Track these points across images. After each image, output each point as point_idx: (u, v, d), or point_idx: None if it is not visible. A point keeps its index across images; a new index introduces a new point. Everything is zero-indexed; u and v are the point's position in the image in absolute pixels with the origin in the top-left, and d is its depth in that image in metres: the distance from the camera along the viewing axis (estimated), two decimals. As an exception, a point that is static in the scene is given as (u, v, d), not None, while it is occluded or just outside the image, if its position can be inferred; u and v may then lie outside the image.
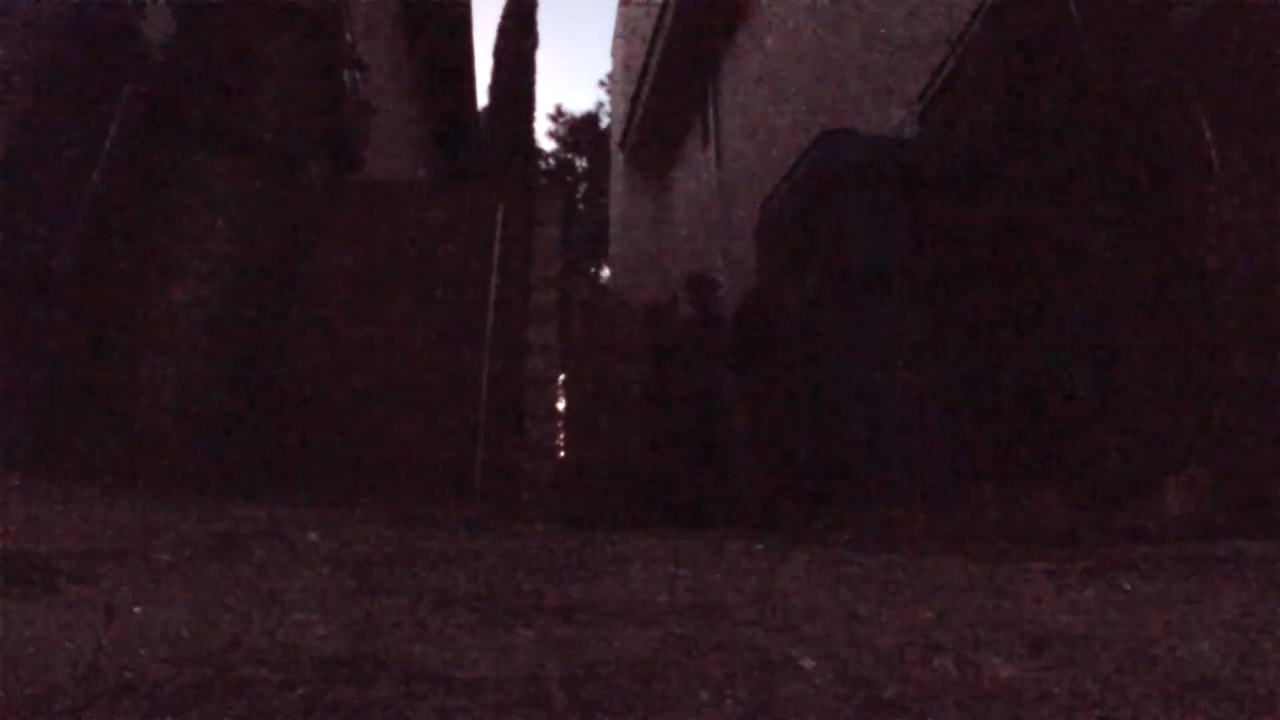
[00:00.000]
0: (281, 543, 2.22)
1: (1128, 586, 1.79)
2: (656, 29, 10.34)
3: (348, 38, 3.89)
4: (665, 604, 1.55)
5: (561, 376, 5.28)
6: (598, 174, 17.73)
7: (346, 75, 3.89)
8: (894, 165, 3.98)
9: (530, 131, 14.27)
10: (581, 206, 17.65)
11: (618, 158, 13.08)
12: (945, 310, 3.67)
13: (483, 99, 12.45)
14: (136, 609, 1.29)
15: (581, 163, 19.04)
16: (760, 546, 2.85)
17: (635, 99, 11.32)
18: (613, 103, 15.52)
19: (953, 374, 3.58)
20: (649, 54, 10.63)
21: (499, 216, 5.23)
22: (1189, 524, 2.43)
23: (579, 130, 19.11)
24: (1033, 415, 3.22)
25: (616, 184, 13.33)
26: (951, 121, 4.04)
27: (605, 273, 16.25)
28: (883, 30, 5.44)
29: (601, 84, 18.31)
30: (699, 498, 6.02)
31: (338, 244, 4.70)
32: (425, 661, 1.08)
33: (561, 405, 5.85)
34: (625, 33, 13.83)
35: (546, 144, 19.07)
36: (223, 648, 1.10)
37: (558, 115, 19.56)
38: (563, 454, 5.63)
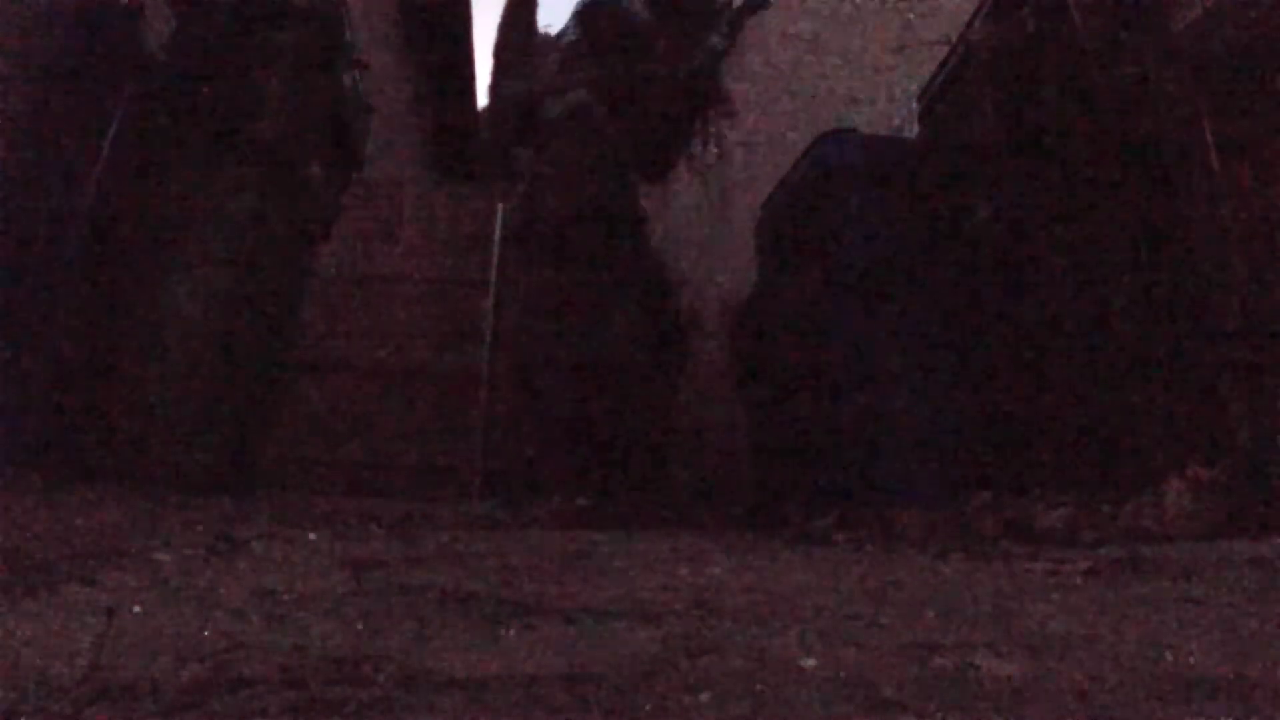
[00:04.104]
0: (281, 543, 2.22)
1: (1128, 587, 1.78)
2: (656, 29, 10.32)
3: (348, 38, 3.88)
4: (665, 604, 1.55)
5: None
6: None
7: (346, 75, 3.89)
8: (894, 165, 3.98)
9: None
10: (581, 206, 17.60)
11: (618, 157, 13.04)
12: (945, 309, 3.67)
13: (483, 99, 12.41)
14: (136, 609, 1.29)
15: (581, 162, 18.98)
16: (760, 546, 2.85)
17: (635, 99, 11.30)
18: (613, 103, 15.46)
19: (953, 373, 3.58)
20: (649, 54, 10.61)
21: (498, 216, 5.24)
22: (1189, 524, 2.43)
23: (579, 130, 19.08)
24: (1033, 414, 3.22)
25: (616, 184, 13.29)
26: (951, 121, 4.04)
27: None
28: (883, 30, 5.43)
29: (601, 84, 18.20)
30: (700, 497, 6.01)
31: (338, 244, 4.70)
32: (425, 661, 1.08)
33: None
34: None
35: (546, 144, 18.99)
36: (223, 648, 1.10)
37: (558, 115, 19.51)
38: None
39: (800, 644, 1.21)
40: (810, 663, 1.09)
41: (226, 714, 0.86)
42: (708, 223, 8.83)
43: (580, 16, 4.97)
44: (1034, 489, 2.95)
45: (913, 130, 4.57)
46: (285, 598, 1.46)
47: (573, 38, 4.98)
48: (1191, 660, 1.11)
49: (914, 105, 4.63)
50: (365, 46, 5.07)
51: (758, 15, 6.28)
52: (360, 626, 1.27)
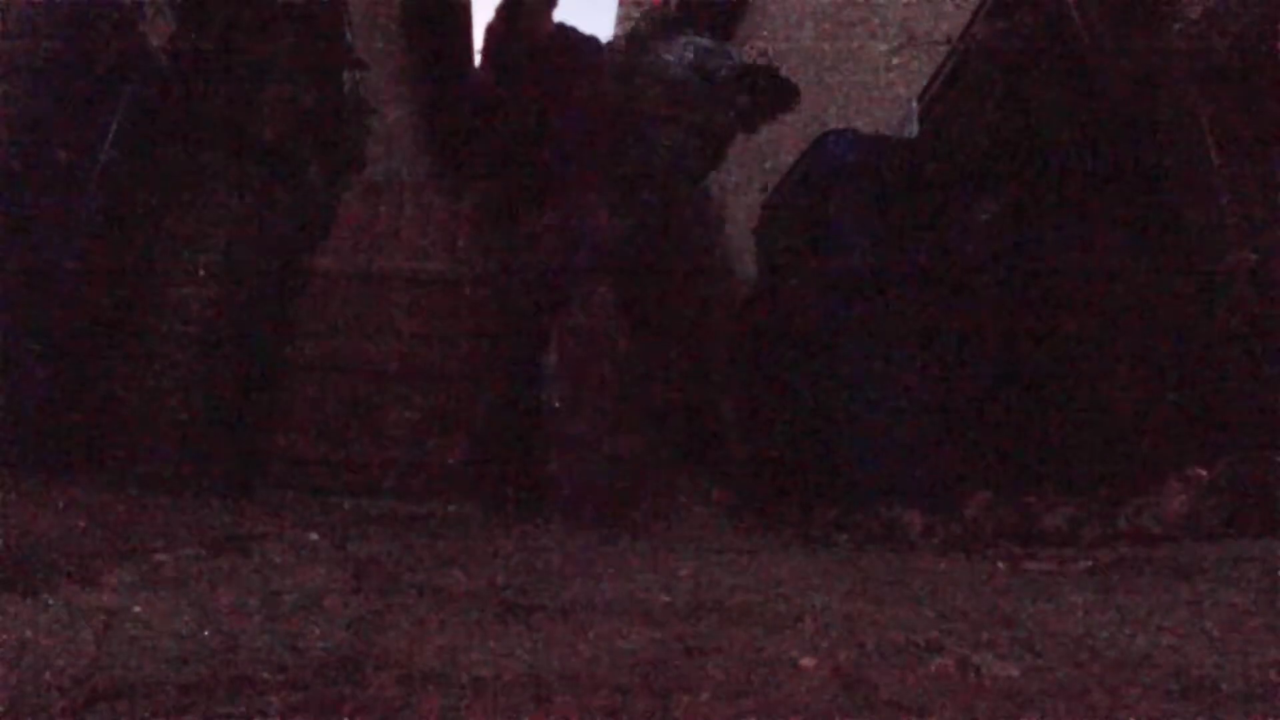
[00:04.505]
0: (281, 543, 2.22)
1: (1128, 586, 1.79)
2: (656, 29, 10.33)
3: (348, 38, 3.88)
4: (665, 604, 1.55)
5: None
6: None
7: (346, 75, 3.89)
8: (894, 165, 3.98)
9: (530, 131, 14.14)
10: (581, 206, 17.59)
11: (618, 157, 13.02)
12: (945, 309, 3.67)
13: (482, 99, 12.38)
14: (136, 609, 1.29)
15: (581, 162, 18.97)
16: (760, 546, 2.86)
17: (635, 99, 11.30)
18: (613, 103, 15.44)
19: (952, 373, 3.58)
20: (649, 54, 10.61)
21: (499, 216, 5.23)
22: (1189, 524, 2.43)
23: (579, 130, 19.04)
24: (1033, 415, 3.22)
25: (616, 184, 13.28)
26: (951, 121, 4.04)
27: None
28: (883, 30, 5.43)
29: (601, 84, 18.23)
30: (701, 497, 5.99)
31: (338, 243, 4.70)
32: (425, 661, 1.08)
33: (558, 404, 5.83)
34: (625, 32, 13.82)
35: (547, 144, 18.98)
36: (223, 648, 1.10)
37: (558, 115, 19.47)
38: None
39: (800, 644, 1.21)
40: (810, 663, 1.09)
41: (226, 714, 0.86)
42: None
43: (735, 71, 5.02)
44: (1034, 489, 2.95)
45: (913, 130, 4.57)
46: (285, 598, 1.46)
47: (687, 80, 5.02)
48: (1191, 660, 1.11)
49: (914, 105, 4.63)
50: (365, 46, 5.06)
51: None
52: (360, 626, 1.27)
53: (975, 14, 3.95)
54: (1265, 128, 2.61)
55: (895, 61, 5.03)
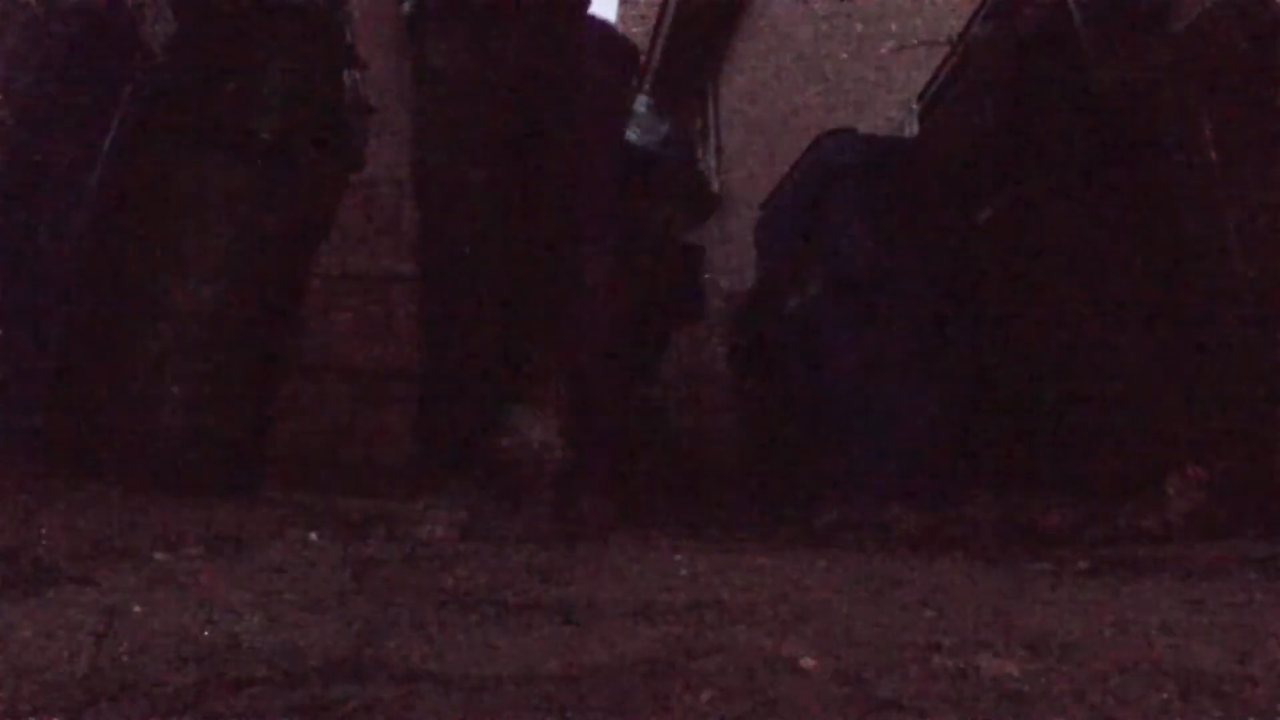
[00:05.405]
0: (281, 543, 2.22)
1: (1128, 586, 1.79)
2: (656, 29, 10.35)
3: (348, 38, 3.88)
4: (665, 604, 1.55)
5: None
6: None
7: (346, 75, 3.88)
8: (894, 165, 3.98)
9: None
10: (581, 206, 17.61)
11: (618, 158, 13.02)
12: (945, 309, 3.67)
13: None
14: (136, 609, 1.29)
15: (581, 163, 18.98)
16: (760, 546, 2.86)
17: (635, 99, 11.30)
18: (613, 103, 15.44)
19: (952, 373, 3.58)
20: (648, 54, 10.63)
21: (499, 216, 5.22)
22: (1189, 524, 2.43)
23: (579, 130, 19.03)
24: (1032, 415, 3.22)
25: (616, 184, 13.29)
26: (951, 121, 4.04)
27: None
28: (883, 30, 5.44)
29: (601, 84, 18.24)
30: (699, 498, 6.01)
31: (338, 243, 4.70)
32: (425, 661, 1.08)
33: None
34: (624, 32, 13.83)
35: (546, 144, 18.99)
36: (223, 648, 1.10)
37: (558, 115, 19.48)
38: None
39: (800, 644, 1.21)
40: (810, 663, 1.09)
41: (226, 714, 0.86)
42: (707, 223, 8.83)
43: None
44: (1034, 489, 2.95)
45: (913, 130, 4.57)
46: (285, 598, 1.46)
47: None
48: (1191, 660, 1.11)
49: (914, 105, 4.63)
50: (365, 47, 5.06)
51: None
52: (360, 626, 1.27)
53: (975, 14, 3.95)
54: (1265, 129, 2.61)
55: (895, 61, 5.03)
